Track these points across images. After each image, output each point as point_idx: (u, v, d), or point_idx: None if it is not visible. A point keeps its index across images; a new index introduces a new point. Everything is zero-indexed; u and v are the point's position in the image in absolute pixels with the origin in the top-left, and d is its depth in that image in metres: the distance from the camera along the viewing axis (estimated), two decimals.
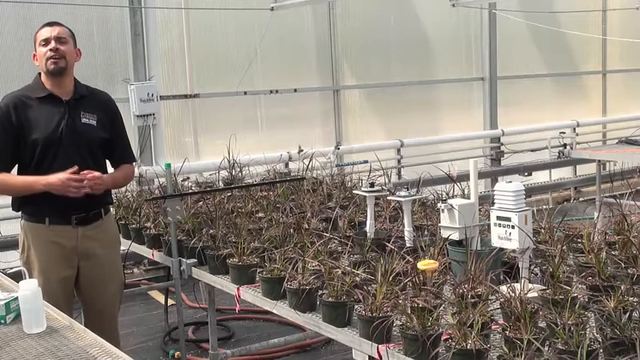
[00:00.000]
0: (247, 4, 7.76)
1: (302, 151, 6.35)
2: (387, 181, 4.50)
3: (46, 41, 3.56)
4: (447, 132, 9.43)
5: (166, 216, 3.81)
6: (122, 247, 4.13)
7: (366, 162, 6.57)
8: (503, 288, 2.58)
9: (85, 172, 3.52)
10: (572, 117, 10.36)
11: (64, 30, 3.62)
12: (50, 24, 3.64)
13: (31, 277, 3.44)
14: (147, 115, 6.94)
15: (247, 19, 7.81)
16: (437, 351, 2.28)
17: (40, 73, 3.67)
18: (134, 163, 3.97)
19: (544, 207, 3.46)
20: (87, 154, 3.63)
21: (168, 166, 4.10)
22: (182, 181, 4.95)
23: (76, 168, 3.50)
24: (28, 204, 3.64)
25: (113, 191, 4.04)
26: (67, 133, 3.56)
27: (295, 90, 8.29)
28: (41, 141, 3.53)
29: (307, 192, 4.39)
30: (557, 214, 3.41)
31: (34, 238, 3.64)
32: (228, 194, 4.46)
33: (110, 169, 3.86)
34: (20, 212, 3.71)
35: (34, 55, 3.64)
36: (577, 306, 2.39)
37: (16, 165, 3.64)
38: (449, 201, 3.13)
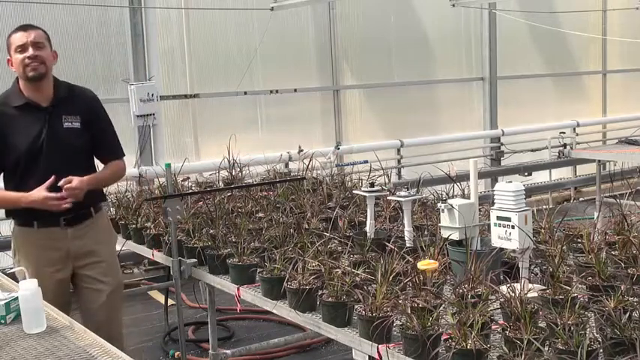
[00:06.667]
0: (247, 4, 7.77)
1: (302, 151, 6.36)
2: (387, 181, 4.50)
3: (23, 47, 3.45)
4: (447, 132, 9.43)
5: (166, 216, 3.80)
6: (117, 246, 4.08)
7: (366, 162, 6.57)
8: (503, 288, 2.58)
9: (62, 182, 3.43)
10: (572, 117, 10.37)
11: (39, 34, 3.51)
12: (24, 28, 3.51)
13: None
14: (147, 115, 6.94)
15: (247, 19, 7.82)
16: (437, 351, 2.28)
17: (17, 79, 3.55)
18: (124, 158, 3.84)
19: (544, 207, 3.46)
20: (70, 160, 3.54)
21: (168, 166, 4.10)
22: (182, 181, 4.95)
23: (53, 179, 3.41)
24: (17, 209, 3.59)
25: (113, 190, 4.00)
26: (48, 142, 3.48)
27: (295, 90, 8.29)
28: (23, 153, 3.47)
29: (307, 192, 4.39)
30: (557, 214, 3.40)
31: (24, 242, 3.62)
32: (228, 194, 4.46)
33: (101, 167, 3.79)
34: (11, 218, 3.68)
35: (9, 61, 3.52)
36: (577, 306, 2.39)
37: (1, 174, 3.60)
38: (449, 201, 3.13)
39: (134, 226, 4.31)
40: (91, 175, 3.62)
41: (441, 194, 3.88)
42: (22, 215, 3.60)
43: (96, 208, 3.73)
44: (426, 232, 3.51)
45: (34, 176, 3.48)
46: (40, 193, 3.41)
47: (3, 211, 6.06)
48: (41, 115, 3.52)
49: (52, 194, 3.41)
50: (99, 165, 3.82)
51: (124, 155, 3.89)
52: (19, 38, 3.48)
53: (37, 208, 3.48)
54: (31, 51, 3.45)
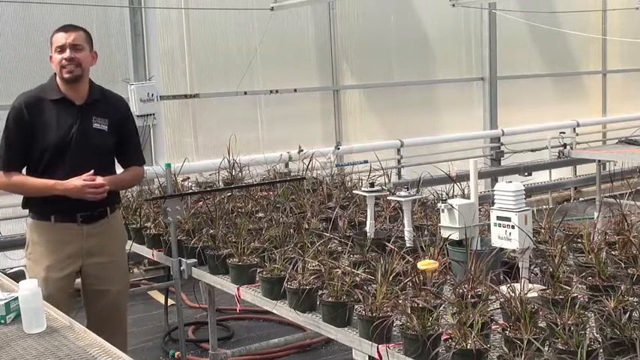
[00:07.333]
0: (247, 4, 7.76)
1: (302, 151, 6.36)
2: (387, 181, 4.50)
3: (62, 48, 3.53)
4: (447, 132, 9.42)
5: (166, 216, 3.81)
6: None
7: (366, 162, 6.57)
8: (503, 288, 2.58)
9: (87, 179, 3.52)
10: (572, 117, 10.36)
11: (79, 35, 3.58)
12: (66, 28, 3.59)
13: (34, 273, 3.49)
14: (147, 115, 6.94)
15: (247, 19, 7.82)
16: (437, 351, 2.28)
17: (55, 74, 3.64)
18: (144, 166, 3.96)
19: (544, 207, 3.46)
20: (95, 159, 3.61)
21: (169, 166, 4.11)
22: (182, 181, 4.95)
23: (91, 172, 3.52)
24: (35, 202, 3.66)
25: None
26: (77, 138, 3.56)
27: (295, 90, 8.29)
28: (51, 145, 3.54)
29: (307, 192, 4.39)
30: (557, 214, 3.41)
31: (39, 236, 3.66)
32: (228, 194, 4.46)
33: (119, 170, 3.86)
34: (27, 210, 3.73)
35: (51, 57, 3.61)
36: (577, 306, 2.39)
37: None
38: (449, 201, 3.13)
39: (134, 226, 4.32)
40: (113, 176, 3.73)
41: (441, 194, 3.88)
42: (40, 209, 3.65)
43: (112, 208, 3.78)
44: (426, 232, 3.52)
45: (59, 170, 3.54)
46: (78, 180, 3.50)
47: (4, 211, 6.12)
48: (74, 112, 3.60)
49: (91, 182, 3.50)
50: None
51: (145, 163, 3.98)
52: (59, 39, 3.56)
53: (55, 203, 3.54)
54: (68, 53, 3.52)
